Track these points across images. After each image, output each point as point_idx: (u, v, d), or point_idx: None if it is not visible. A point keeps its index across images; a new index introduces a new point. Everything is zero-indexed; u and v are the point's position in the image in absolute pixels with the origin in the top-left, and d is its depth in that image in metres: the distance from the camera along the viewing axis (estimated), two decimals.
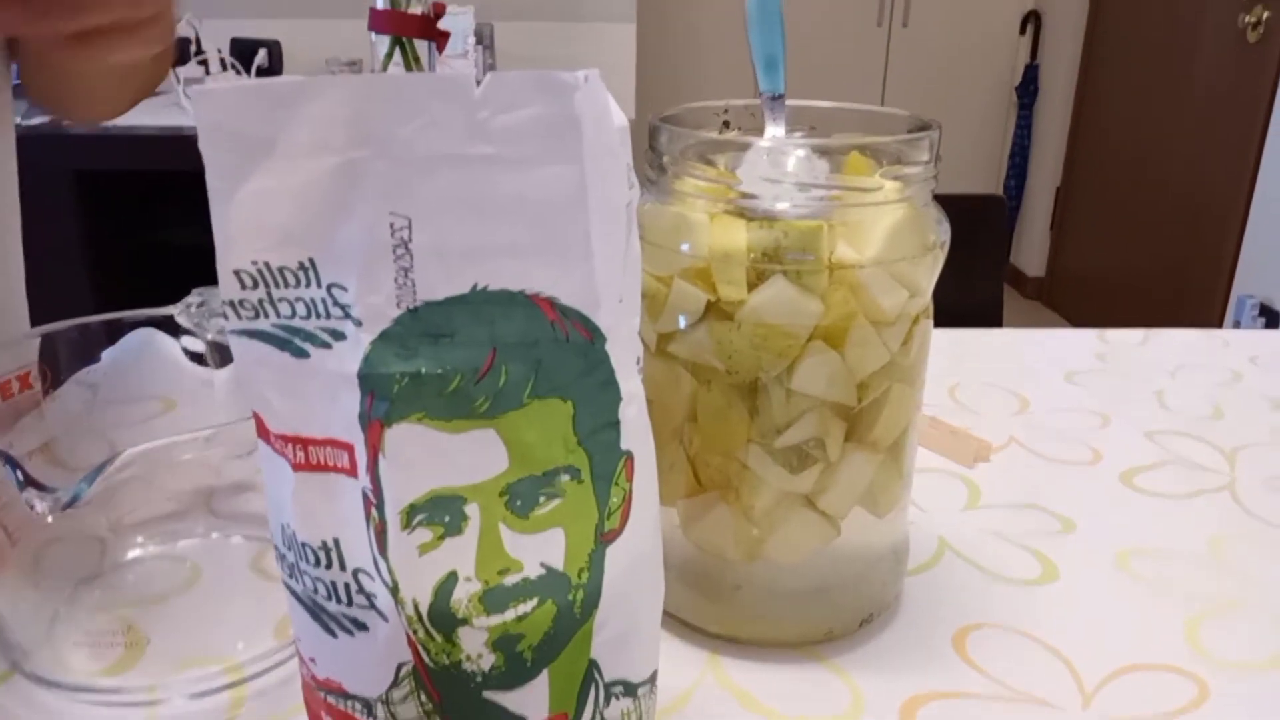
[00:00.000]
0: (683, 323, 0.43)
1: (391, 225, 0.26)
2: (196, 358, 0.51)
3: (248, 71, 2.00)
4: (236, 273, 0.28)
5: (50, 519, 0.37)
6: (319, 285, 0.27)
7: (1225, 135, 2.55)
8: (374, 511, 0.28)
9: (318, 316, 0.27)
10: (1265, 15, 2.38)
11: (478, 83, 0.26)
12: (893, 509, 0.47)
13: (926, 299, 0.45)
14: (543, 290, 0.27)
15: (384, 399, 0.27)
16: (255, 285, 0.28)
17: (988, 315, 1.37)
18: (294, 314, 0.28)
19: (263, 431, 0.30)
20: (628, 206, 0.29)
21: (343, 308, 0.27)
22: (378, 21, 1.40)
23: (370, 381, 0.27)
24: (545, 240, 0.27)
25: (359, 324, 0.27)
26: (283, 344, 0.28)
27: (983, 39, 3.54)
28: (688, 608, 0.47)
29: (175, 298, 0.51)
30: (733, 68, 3.45)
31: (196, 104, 0.27)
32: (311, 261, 0.27)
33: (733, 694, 0.44)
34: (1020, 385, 0.77)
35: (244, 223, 0.27)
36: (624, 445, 0.30)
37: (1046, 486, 0.62)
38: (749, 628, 0.47)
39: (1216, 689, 0.45)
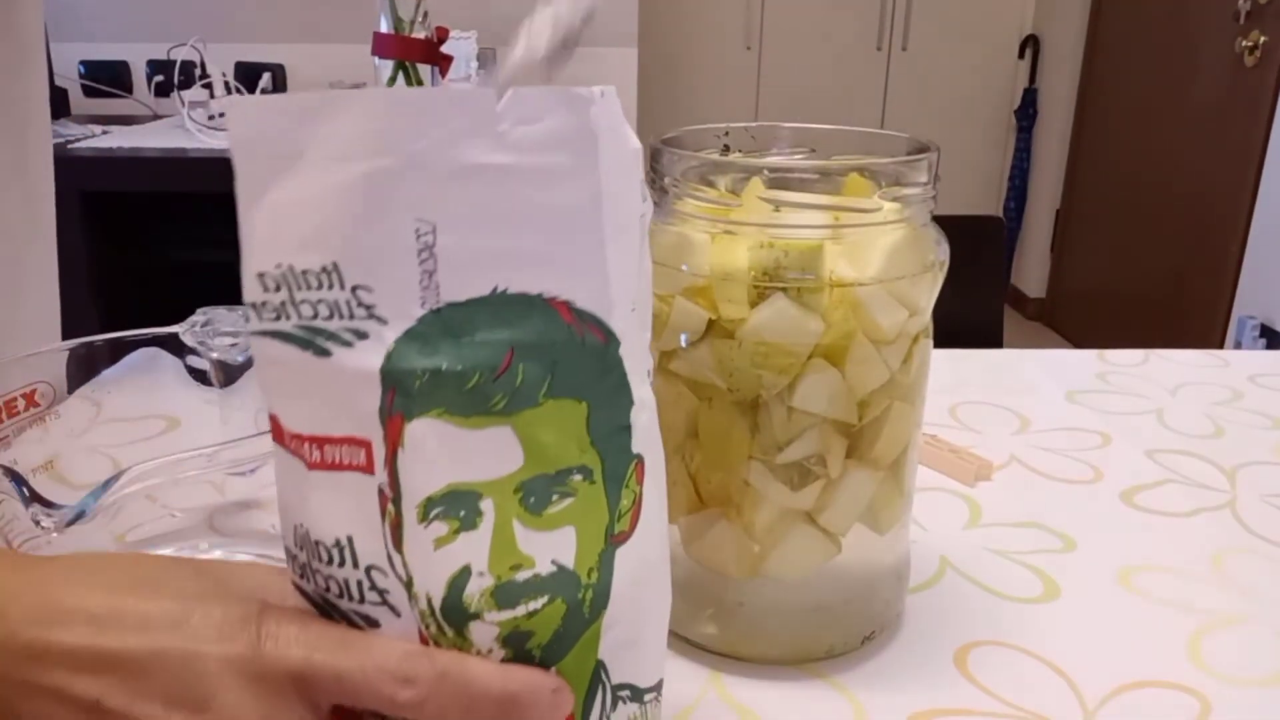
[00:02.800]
0: (684, 341, 0.43)
1: (417, 230, 0.27)
2: (200, 376, 0.52)
3: (252, 94, 2.01)
4: (260, 275, 0.29)
5: (55, 535, 0.37)
6: (342, 287, 0.28)
7: (1224, 157, 2.56)
8: (390, 506, 0.29)
9: (340, 317, 0.28)
10: (1262, 39, 2.40)
11: (499, 97, 0.27)
12: (894, 526, 0.47)
13: (926, 318, 0.45)
14: (560, 294, 0.28)
15: (405, 394, 0.28)
16: (278, 288, 0.29)
17: (989, 335, 1.38)
18: (316, 315, 0.28)
19: (277, 434, 0.30)
20: (641, 218, 0.30)
21: (367, 308, 0.28)
22: (382, 46, 1.42)
23: (392, 377, 0.28)
24: (562, 246, 0.28)
25: (384, 322, 0.28)
26: (304, 344, 0.29)
27: (982, 63, 3.56)
28: (690, 624, 0.47)
29: (180, 317, 0.51)
30: (733, 92, 3.47)
31: (230, 113, 0.28)
32: (335, 265, 0.28)
33: (735, 711, 0.44)
34: (1021, 404, 0.77)
35: (269, 227, 0.28)
36: (635, 449, 0.31)
37: (1047, 505, 0.62)
38: (751, 644, 0.47)
39: (1219, 705, 0.45)
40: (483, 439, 0.28)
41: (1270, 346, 2.34)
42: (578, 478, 0.29)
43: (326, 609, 0.31)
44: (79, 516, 0.37)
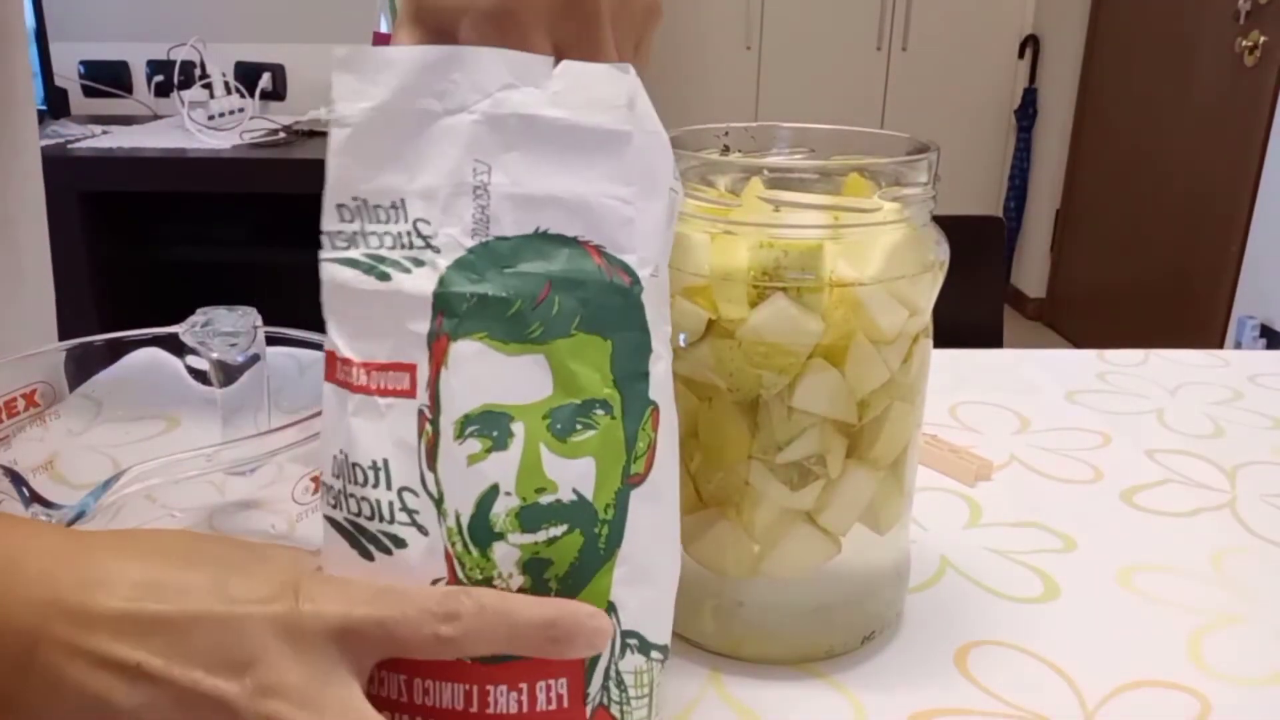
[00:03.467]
0: (684, 341, 0.43)
1: (474, 169, 0.31)
2: (200, 376, 0.52)
3: (252, 94, 2.01)
4: (339, 207, 0.32)
5: None
6: (406, 221, 0.32)
7: (1224, 157, 2.56)
8: (428, 426, 0.31)
9: (402, 248, 0.32)
10: (1262, 39, 2.40)
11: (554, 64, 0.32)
12: (894, 526, 0.47)
13: (926, 318, 0.45)
14: (593, 239, 0.32)
15: (453, 316, 0.31)
16: (353, 219, 0.32)
17: (989, 335, 1.37)
18: (381, 245, 0.32)
19: (330, 369, 0.33)
20: (672, 193, 0.34)
21: (425, 239, 0.32)
22: (381, 45, 1.41)
23: (443, 300, 0.31)
24: (599, 195, 0.32)
25: (438, 251, 0.31)
26: (368, 269, 0.32)
27: (981, 63, 3.56)
28: (689, 624, 0.47)
29: (180, 317, 0.51)
30: (733, 92, 3.47)
31: (338, 62, 0.32)
32: (402, 201, 0.32)
33: (734, 710, 0.44)
34: (1021, 404, 0.77)
35: (352, 164, 0.32)
36: (651, 395, 0.33)
37: (1048, 505, 0.62)
38: (750, 644, 0.47)
39: (1219, 705, 0.45)
40: (518, 365, 0.31)
41: (1270, 346, 2.34)
42: (600, 412, 0.32)
43: (355, 534, 0.33)
44: (79, 516, 0.36)
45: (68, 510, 0.36)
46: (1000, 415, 0.75)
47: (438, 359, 0.31)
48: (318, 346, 0.52)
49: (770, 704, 0.44)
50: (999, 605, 0.52)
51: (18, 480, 0.36)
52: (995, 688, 0.45)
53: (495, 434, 0.31)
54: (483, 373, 0.31)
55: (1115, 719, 0.44)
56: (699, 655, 0.47)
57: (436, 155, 0.32)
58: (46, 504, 0.36)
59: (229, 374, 0.51)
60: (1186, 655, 0.48)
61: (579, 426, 0.31)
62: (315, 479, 0.45)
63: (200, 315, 0.51)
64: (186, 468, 0.39)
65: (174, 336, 0.51)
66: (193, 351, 0.51)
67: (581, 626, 0.31)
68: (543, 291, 0.31)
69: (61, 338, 0.50)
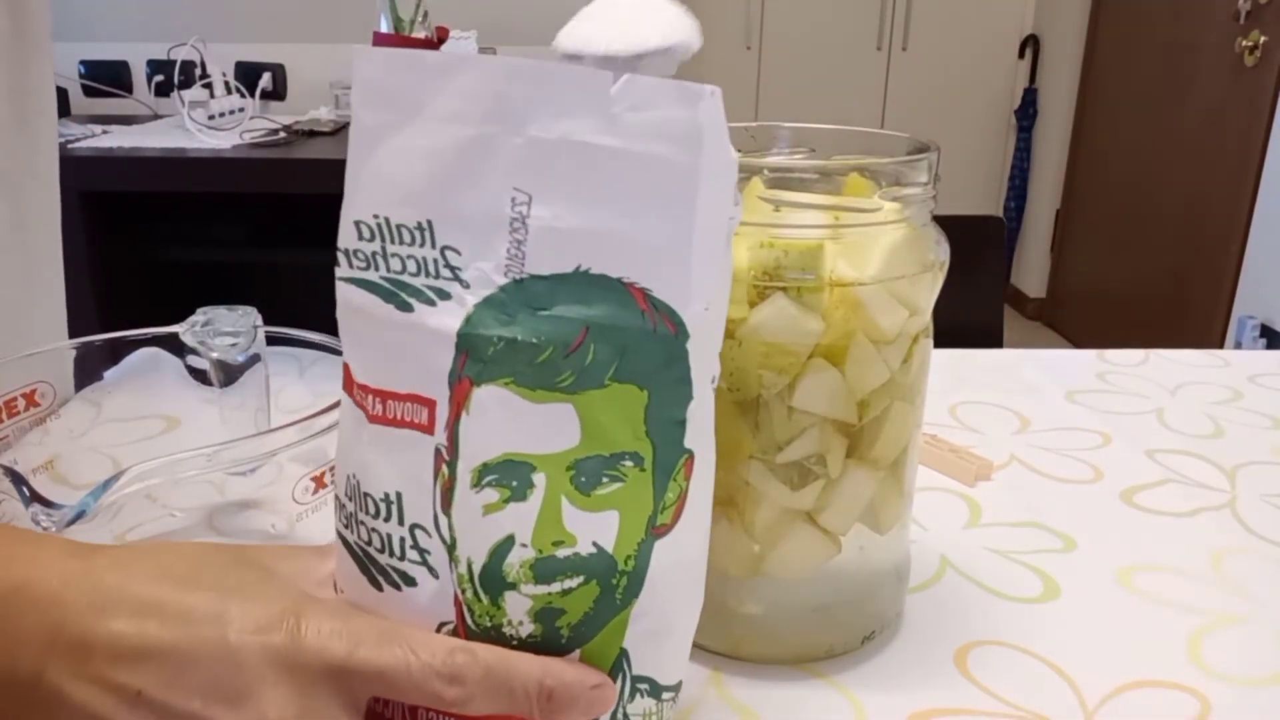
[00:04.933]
0: None
1: (513, 199, 0.28)
2: (200, 376, 0.52)
3: (252, 94, 2.01)
4: (357, 223, 0.30)
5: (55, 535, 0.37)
6: (433, 246, 0.29)
7: (1224, 157, 2.56)
8: (444, 469, 0.30)
9: (427, 275, 0.29)
10: (1262, 39, 2.40)
11: (615, 81, 0.28)
12: (894, 526, 0.47)
13: (926, 318, 0.45)
14: (639, 281, 0.29)
15: (478, 360, 0.29)
16: (372, 238, 0.30)
17: (989, 335, 1.37)
18: (404, 269, 0.29)
19: (348, 383, 0.32)
20: (729, 220, 0.31)
21: (453, 269, 0.29)
22: (381, 45, 1.42)
23: (468, 341, 0.29)
24: (650, 235, 0.28)
25: (466, 286, 0.29)
26: (389, 295, 0.30)
27: (981, 63, 3.56)
28: None
29: (180, 317, 0.51)
30: (733, 92, 3.47)
31: (357, 60, 0.29)
32: (429, 223, 0.29)
33: (735, 711, 0.44)
34: (1021, 404, 0.77)
35: (374, 177, 0.29)
36: (687, 444, 0.31)
37: (1048, 505, 0.62)
38: (751, 644, 0.47)
39: (1218, 705, 0.45)
40: (544, 413, 0.29)
41: (1270, 346, 2.34)
42: (629, 464, 0.30)
43: (365, 562, 0.32)
44: (79, 516, 0.37)
45: (68, 510, 0.36)
46: (1000, 415, 0.75)
47: (459, 401, 0.29)
48: (318, 346, 0.52)
49: (770, 704, 0.44)
50: (999, 605, 0.52)
51: (18, 480, 0.37)
52: (995, 688, 0.45)
53: (514, 484, 0.29)
54: (506, 420, 0.29)
55: (1115, 719, 0.44)
56: (699, 655, 0.47)
57: (471, 178, 0.28)
58: (47, 504, 0.36)
59: (229, 374, 0.51)
60: (1186, 655, 0.48)
61: (605, 480, 0.29)
62: (316, 479, 0.45)
63: (200, 315, 0.51)
64: (186, 468, 0.39)
65: (174, 336, 0.51)
66: (193, 351, 0.51)
67: (578, 700, 0.30)
68: (578, 339, 0.28)
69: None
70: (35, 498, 0.36)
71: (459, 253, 0.29)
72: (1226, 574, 0.55)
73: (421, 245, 0.29)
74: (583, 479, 0.29)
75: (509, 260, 0.28)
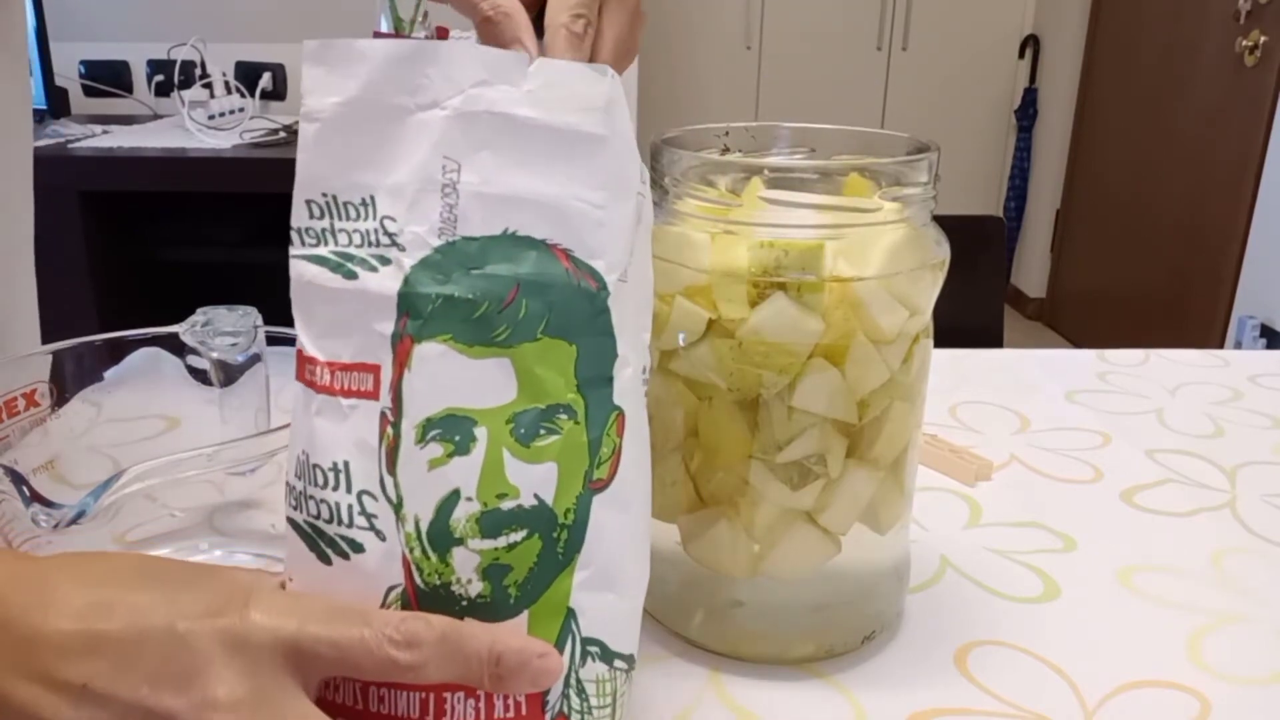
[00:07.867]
0: (684, 340, 0.43)
1: (444, 167, 0.31)
2: (200, 376, 0.52)
3: (252, 94, 2.01)
4: (308, 202, 0.32)
5: (55, 535, 0.37)
6: (374, 218, 0.31)
7: (1224, 157, 2.56)
8: (389, 430, 0.31)
9: (370, 245, 0.31)
10: (1262, 39, 2.40)
11: (530, 62, 0.31)
12: (894, 526, 0.47)
13: (926, 318, 0.45)
14: (561, 242, 0.31)
15: (418, 317, 0.30)
16: (322, 215, 0.32)
17: (989, 335, 1.37)
18: (350, 243, 0.32)
19: (300, 368, 0.33)
20: (639, 197, 0.33)
21: (390, 235, 0.31)
22: None
23: (407, 300, 0.31)
24: (569, 198, 0.31)
25: (403, 249, 0.31)
26: (336, 267, 0.32)
27: (982, 63, 3.56)
28: (689, 624, 0.47)
29: (180, 317, 0.51)
30: (733, 92, 3.46)
31: (308, 55, 0.31)
32: (372, 198, 0.31)
33: (734, 712, 0.44)
34: (1021, 404, 0.77)
35: (322, 159, 0.32)
36: (616, 400, 0.33)
37: (1048, 505, 0.62)
38: (750, 645, 0.47)
39: (1219, 705, 0.45)
40: (482, 368, 0.30)
41: (1270, 346, 2.34)
42: (564, 416, 0.31)
43: (314, 537, 0.32)
44: (79, 516, 0.37)
45: (68, 510, 0.36)
46: (1000, 415, 0.75)
47: (401, 361, 0.31)
48: None
49: (770, 704, 0.44)
50: (999, 605, 0.52)
51: (18, 480, 0.37)
52: (995, 688, 0.45)
53: (457, 438, 0.30)
54: (446, 376, 0.30)
55: (1115, 719, 0.44)
56: (698, 655, 0.47)
57: (406, 151, 0.31)
58: (47, 504, 0.36)
59: (229, 374, 0.51)
60: (1186, 655, 0.48)
61: (542, 431, 0.31)
62: None
63: (200, 315, 0.51)
64: (186, 468, 0.39)
65: (174, 336, 0.51)
66: (193, 351, 0.51)
67: (526, 666, 0.30)
68: (510, 294, 0.30)
69: (61, 338, 0.50)
70: (35, 498, 0.36)
71: (394, 219, 0.31)
72: (1226, 574, 0.55)
73: (365, 219, 0.31)
74: (521, 430, 0.31)
75: (443, 224, 0.31)
